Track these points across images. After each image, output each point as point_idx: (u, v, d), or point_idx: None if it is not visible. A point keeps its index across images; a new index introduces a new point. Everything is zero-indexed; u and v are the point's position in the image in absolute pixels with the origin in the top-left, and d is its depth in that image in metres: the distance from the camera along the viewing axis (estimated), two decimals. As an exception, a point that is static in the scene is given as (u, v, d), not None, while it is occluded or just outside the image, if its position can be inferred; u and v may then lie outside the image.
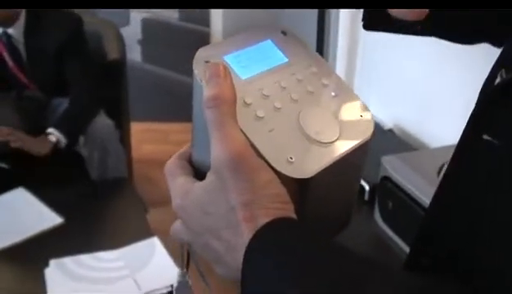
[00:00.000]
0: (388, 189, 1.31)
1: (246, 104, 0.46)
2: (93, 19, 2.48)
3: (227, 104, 0.42)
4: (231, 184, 0.40)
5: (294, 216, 0.41)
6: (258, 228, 0.39)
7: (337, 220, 0.54)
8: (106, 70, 2.41)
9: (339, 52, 2.26)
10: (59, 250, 1.59)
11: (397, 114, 1.94)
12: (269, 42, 0.52)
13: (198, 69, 0.46)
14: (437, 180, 1.30)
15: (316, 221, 0.49)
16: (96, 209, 1.91)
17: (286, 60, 0.51)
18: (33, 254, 1.62)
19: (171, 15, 3.74)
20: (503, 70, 0.46)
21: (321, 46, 2.23)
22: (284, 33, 0.53)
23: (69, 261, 1.55)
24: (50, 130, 2.13)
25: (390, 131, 1.89)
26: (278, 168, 0.42)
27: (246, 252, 0.39)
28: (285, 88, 0.48)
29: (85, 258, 1.56)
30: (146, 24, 3.83)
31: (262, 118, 0.45)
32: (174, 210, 0.45)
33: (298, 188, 0.43)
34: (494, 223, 0.41)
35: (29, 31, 2.17)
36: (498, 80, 0.46)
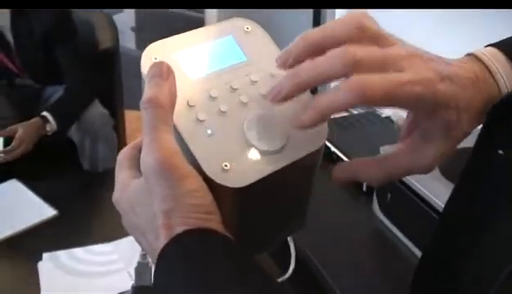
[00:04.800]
0: (386, 181, 1.28)
1: (189, 106, 0.43)
2: (85, 6, 2.43)
3: (162, 107, 0.41)
4: (154, 191, 0.40)
5: (216, 226, 0.40)
6: (173, 236, 0.39)
7: (286, 224, 0.52)
8: (99, 59, 2.38)
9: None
10: (52, 243, 1.57)
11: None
12: (230, 38, 0.48)
13: (145, 65, 0.44)
14: (437, 171, 1.26)
15: (259, 227, 0.47)
16: (90, 200, 1.88)
17: (244, 58, 0.47)
18: (26, 247, 1.59)
19: (165, 1, 3.69)
20: None
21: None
22: (248, 28, 0.49)
23: (62, 254, 1.52)
24: (45, 113, 2.12)
25: (388, 118, 1.86)
26: (209, 175, 0.41)
27: (158, 258, 0.39)
28: (236, 90, 0.45)
29: (79, 251, 1.54)
30: (140, 11, 3.78)
31: (203, 121, 0.43)
32: (113, 202, 0.45)
33: (232, 196, 0.41)
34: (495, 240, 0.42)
35: (14, 16, 2.13)
36: None
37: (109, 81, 2.45)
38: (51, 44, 2.17)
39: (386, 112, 1.88)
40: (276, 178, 0.43)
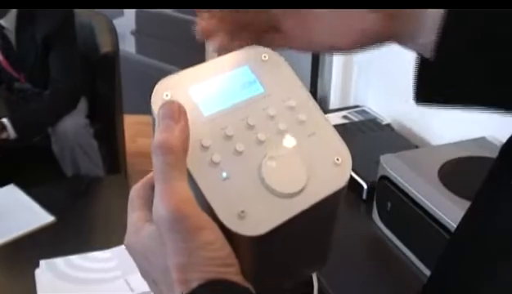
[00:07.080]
0: (386, 189, 1.28)
1: (203, 148, 0.41)
2: (86, 11, 2.43)
3: (174, 153, 0.38)
4: (167, 243, 0.38)
5: (235, 278, 0.38)
6: (189, 291, 0.37)
7: (307, 264, 0.49)
8: (99, 63, 2.38)
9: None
10: (50, 249, 1.56)
11: (396, 108, 1.90)
12: (246, 68, 0.45)
13: (155, 103, 0.41)
14: (437, 180, 1.26)
15: (278, 271, 0.45)
16: (88, 207, 1.87)
17: (262, 90, 0.44)
18: (24, 254, 1.58)
19: (165, 5, 3.69)
20: None
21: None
22: (266, 57, 0.46)
23: (59, 262, 1.51)
24: (4, 120, 2.10)
25: (388, 126, 1.85)
26: (225, 223, 0.38)
27: None
28: (252, 127, 0.42)
29: (76, 258, 1.53)
30: (140, 15, 3.78)
31: (218, 163, 0.40)
32: (125, 246, 0.43)
33: (250, 243, 0.39)
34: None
35: (20, 21, 2.13)
36: None
37: (108, 85, 2.44)
38: (49, 47, 2.17)
39: (386, 120, 1.87)
40: (296, 221, 0.40)
